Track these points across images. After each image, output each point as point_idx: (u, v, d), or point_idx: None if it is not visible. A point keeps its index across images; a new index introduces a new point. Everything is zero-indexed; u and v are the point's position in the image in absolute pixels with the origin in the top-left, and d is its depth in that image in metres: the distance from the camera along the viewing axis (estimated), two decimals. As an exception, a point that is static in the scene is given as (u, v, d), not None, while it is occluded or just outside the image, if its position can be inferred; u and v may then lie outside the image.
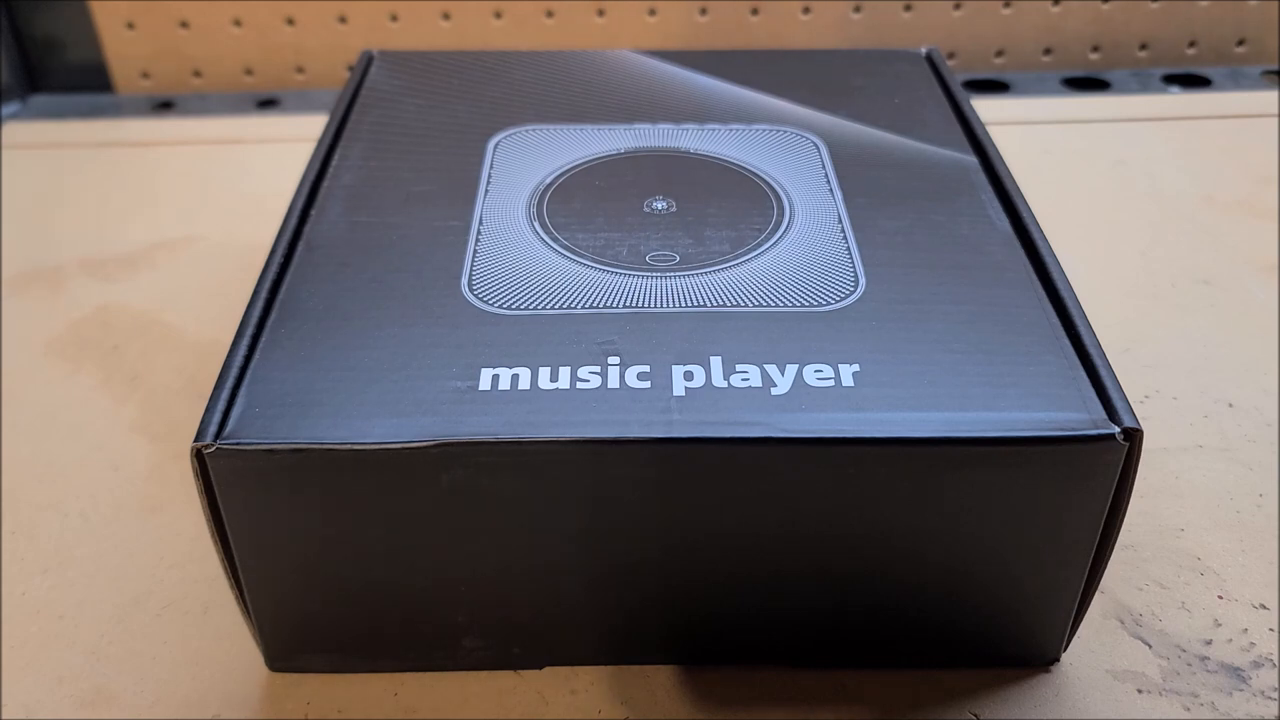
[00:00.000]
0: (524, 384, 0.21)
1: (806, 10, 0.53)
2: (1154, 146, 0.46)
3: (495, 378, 0.22)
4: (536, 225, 0.26)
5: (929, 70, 0.34)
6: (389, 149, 0.29)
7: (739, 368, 0.22)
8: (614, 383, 0.22)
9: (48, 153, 0.47)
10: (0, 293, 0.38)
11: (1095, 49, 0.55)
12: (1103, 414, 0.21)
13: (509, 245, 0.26)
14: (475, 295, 0.24)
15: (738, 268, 0.25)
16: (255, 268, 0.25)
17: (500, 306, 0.24)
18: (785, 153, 0.29)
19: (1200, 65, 0.55)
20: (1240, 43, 0.55)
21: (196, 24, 0.53)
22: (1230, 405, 0.32)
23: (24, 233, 0.42)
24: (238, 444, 0.20)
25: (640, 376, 0.22)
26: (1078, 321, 0.23)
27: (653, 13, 0.53)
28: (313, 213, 0.27)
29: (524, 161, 0.29)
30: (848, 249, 0.25)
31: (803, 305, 0.24)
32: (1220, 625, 0.25)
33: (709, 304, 0.24)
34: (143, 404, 0.33)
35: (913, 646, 0.24)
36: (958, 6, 0.54)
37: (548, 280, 0.24)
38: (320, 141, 0.30)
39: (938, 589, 0.23)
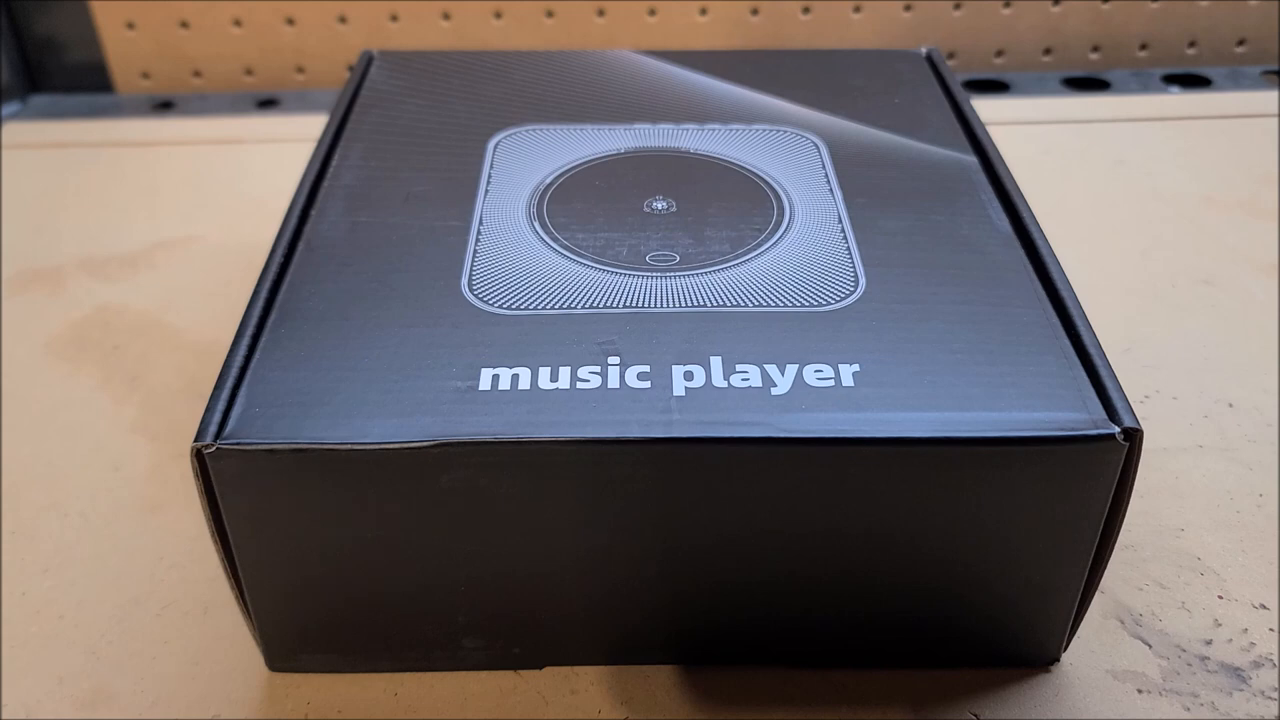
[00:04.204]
0: (524, 384, 0.21)
1: (806, 10, 0.53)
2: (1154, 146, 0.46)
3: (495, 378, 0.22)
4: (536, 225, 0.26)
5: (929, 70, 0.34)
6: (389, 149, 0.29)
7: (739, 368, 0.22)
8: (614, 383, 0.22)
9: (48, 153, 0.47)
10: (0, 293, 0.38)
11: (1095, 49, 0.55)
12: (1103, 414, 0.21)
13: (509, 245, 0.26)
14: (475, 295, 0.24)
15: (738, 268, 0.25)
16: (255, 268, 0.25)
17: (500, 306, 0.24)
18: (785, 153, 0.29)
19: (1200, 65, 0.55)
20: (1240, 43, 0.55)
21: (196, 24, 0.53)
22: (1230, 405, 0.32)
23: (24, 233, 0.42)
24: (238, 444, 0.20)
25: (640, 376, 0.22)
26: (1078, 321, 0.23)
27: (653, 13, 0.53)
28: (313, 213, 0.27)
29: (524, 161, 0.29)
30: (848, 249, 0.25)
31: (803, 305, 0.24)
32: (1220, 625, 0.25)
33: (709, 304, 0.24)
34: (143, 404, 0.33)
35: (913, 646, 0.24)
36: (958, 6, 0.54)
37: (548, 280, 0.24)
38: (320, 141, 0.30)
39: (938, 589, 0.23)
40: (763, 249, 0.26)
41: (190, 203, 0.43)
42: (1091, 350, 0.22)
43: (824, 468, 0.21)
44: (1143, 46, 0.55)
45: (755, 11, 0.53)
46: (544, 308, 0.24)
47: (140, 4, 0.52)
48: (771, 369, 0.22)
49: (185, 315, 0.37)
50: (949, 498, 0.21)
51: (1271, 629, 0.25)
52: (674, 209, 0.27)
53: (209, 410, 0.21)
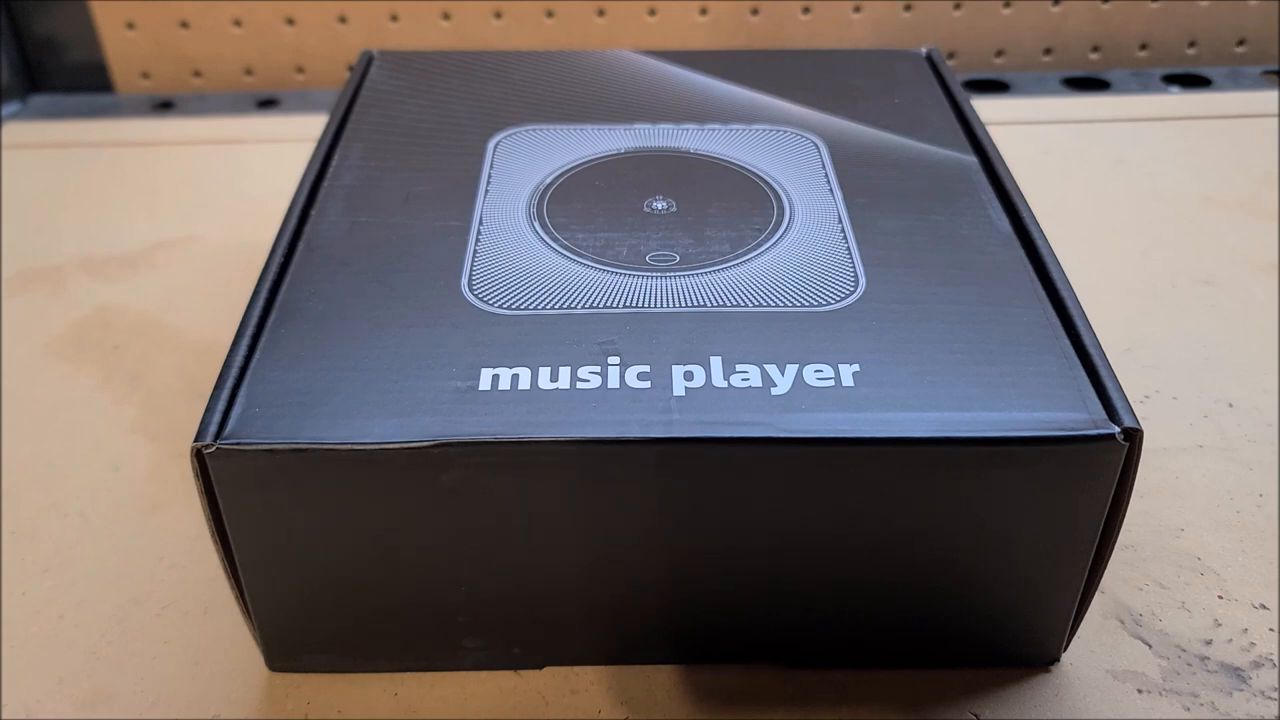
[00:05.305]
0: (524, 384, 0.21)
1: (806, 10, 0.53)
2: (1154, 146, 0.46)
3: (495, 378, 0.22)
4: (536, 225, 0.26)
5: (929, 70, 0.34)
6: (389, 149, 0.29)
7: (739, 368, 0.22)
8: (614, 383, 0.22)
9: (48, 153, 0.47)
10: (0, 293, 0.38)
11: (1095, 49, 0.55)
12: (1103, 414, 0.21)
13: (509, 245, 0.26)
14: (475, 295, 0.24)
15: (738, 268, 0.25)
16: (255, 268, 0.25)
17: (500, 306, 0.24)
18: (785, 153, 0.29)
19: (1200, 65, 0.55)
20: (1240, 43, 0.55)
21: (196, 24, 0.53)
22: (1230, 405, 0.32)
23: (24, 233, 0.42)
24: (238, 444, 0.20)
25: (640, 376, 0.22)
26: (1078, 321, 0.23)
27: (653, 13, 0.53)
28: (313, 213, 0.27)
29: (524, 161, 0.29)
30: (848, 249, 0.25)
31: (803, 305, 0.24)
32: (1220, 625, 0.25)
33: (709, 304, 0.24)
34: (143, 404, 0.33)
35: (913, 646, 0.24)
36: (958, 6, 0.54)
37: (548, 280, 0.24)
38: (320, 141, 0.30)
39: (938, 589, 0.23)
40: (763, 249, 0.26)
41: (190, 203, 0.43)
42: (1091, 350, 0.22)
43: (824, 468, 0.21)
44: (1143, 46, 0.55)
45: (755, 11, 0.53)
46: (544, 308, 0.24)
47: (140, 4, 0.52)
48: (771, 369, 0.22)
49: (185, 315, 0.37)
50: (949, 498, 0.21)
51: (1271, 629, 0.25)
52: (674, 209, 0.27)
53: (209, 410, 0.21)
